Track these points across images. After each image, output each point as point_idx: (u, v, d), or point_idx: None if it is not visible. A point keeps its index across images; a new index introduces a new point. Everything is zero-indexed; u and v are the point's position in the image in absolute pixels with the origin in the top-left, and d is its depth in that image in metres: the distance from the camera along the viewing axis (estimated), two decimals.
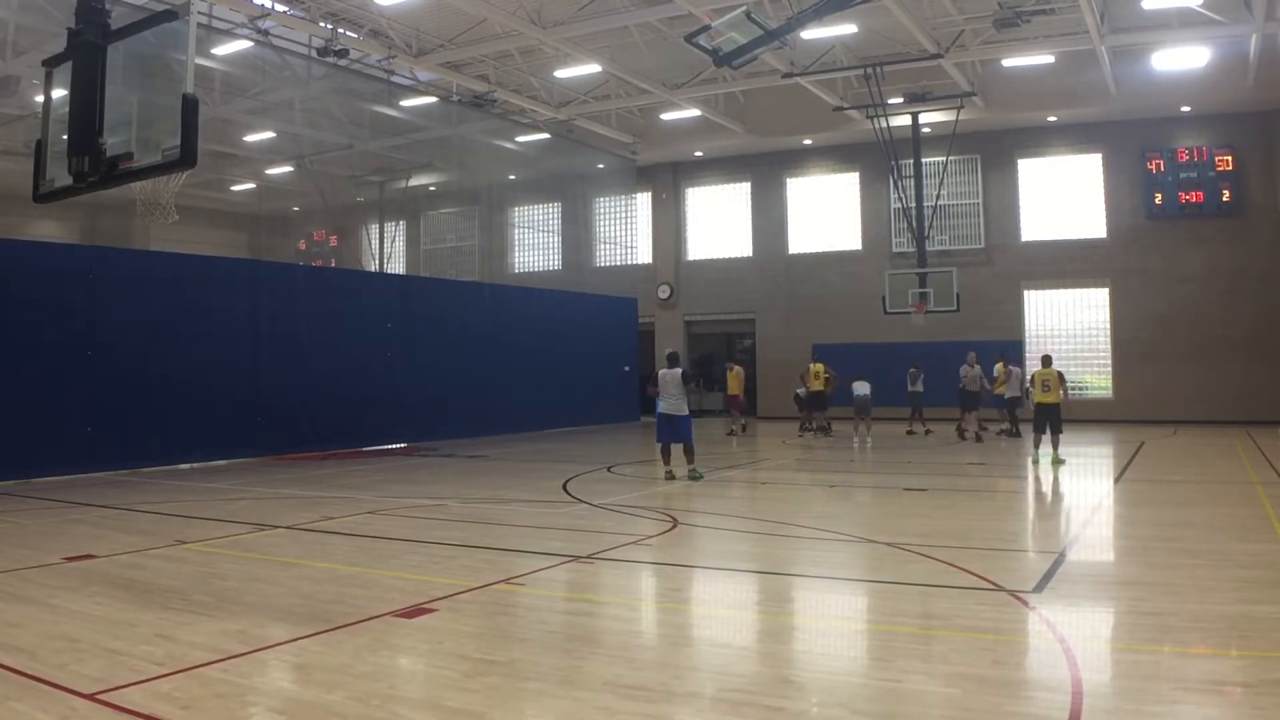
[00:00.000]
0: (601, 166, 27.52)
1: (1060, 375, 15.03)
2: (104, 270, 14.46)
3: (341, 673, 4.72)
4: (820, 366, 21.16)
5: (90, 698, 4.32)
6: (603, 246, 28.72)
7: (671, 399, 13.09)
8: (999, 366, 19.14)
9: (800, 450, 18.21)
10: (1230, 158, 22.77)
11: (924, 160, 22.85)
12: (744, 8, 12.09)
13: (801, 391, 21.05)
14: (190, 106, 5.58)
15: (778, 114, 24.30)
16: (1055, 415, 14.36)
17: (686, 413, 13.16)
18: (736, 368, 22.07)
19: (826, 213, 27.40)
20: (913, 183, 22.92)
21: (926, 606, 6.18)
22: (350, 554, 8.09)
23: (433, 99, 22.60)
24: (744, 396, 22.01)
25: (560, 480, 13.07)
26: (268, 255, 26.88)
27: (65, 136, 6.13)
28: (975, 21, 18.57)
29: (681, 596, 6.89)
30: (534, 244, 29.75)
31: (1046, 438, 14.34)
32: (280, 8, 17.24)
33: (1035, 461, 14.41)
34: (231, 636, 5.34)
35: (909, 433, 20.75)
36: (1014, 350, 24.20)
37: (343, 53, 18.18)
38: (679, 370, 13.18)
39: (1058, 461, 14.11)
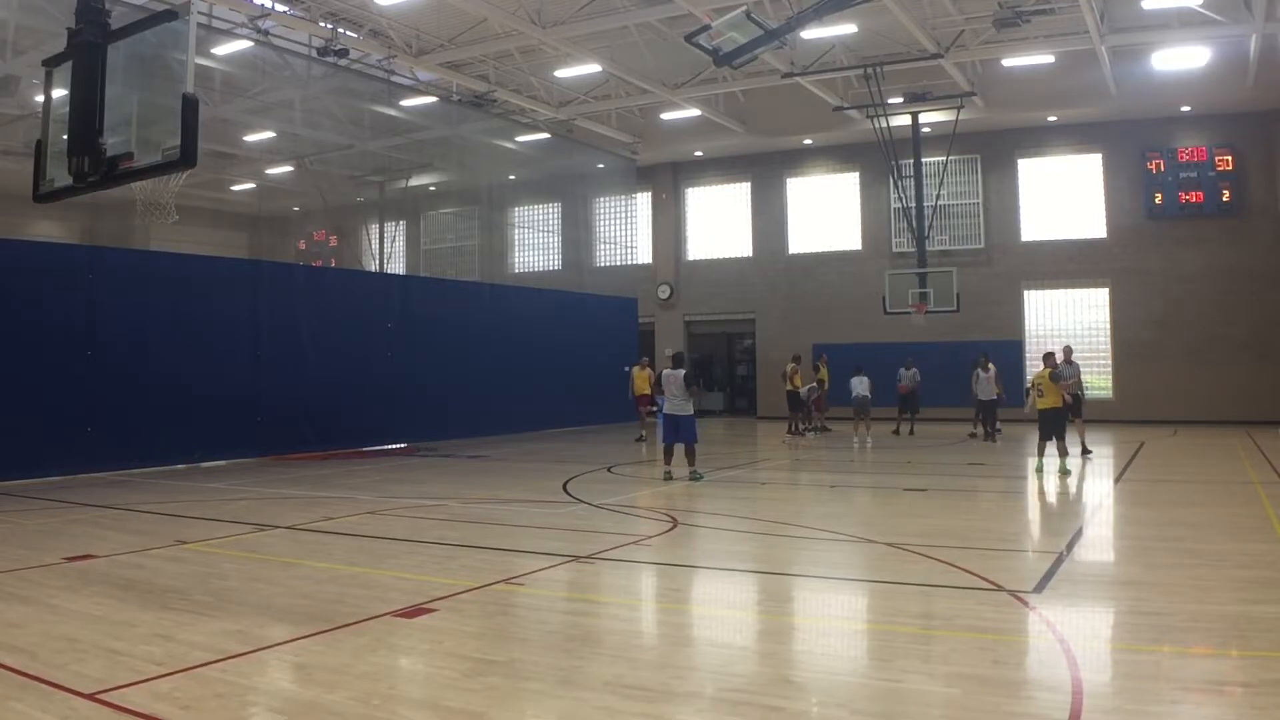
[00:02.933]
0: (601, 166, 27.52)
1: (1053, 374, 13.43)
2: (104, 270, 14.45)
3: (341, 673, 4.73)
4: (790, 366, 21.07)
5: (90, 698, 4.32)
6: (603, 246, 28.72)
7: (675, 399, 13.10)
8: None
9: (800, 451, 18.20)
10: (1230, 158, 22.77)
11: (924, 160, 22.84)
12: (744, 7, 12.07)
13: (804, 392, 20.99)
14: (190, 106, 5.58)
15: (778, 114, 24.30)
16: (1056, 420, 13.29)
17: (690, 413, 13.17)
18: (649, 367, 19.78)
19: (826, 213, 27.38)
20: (913, 183, 22.92)
21: (926, 606, 6.18)
22: (350, 554, 8.09)
23: (433, 99, 22.60)
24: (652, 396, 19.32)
25: (560, 480, 13.07)
26: (268, 255, 26.91)
27: (65, 136, 6.13)
28: (975, 21, 18.56)
29: (681, 596, 6.89)
30: (534, 244, 29.75)
31: (1051, 445, 13.33)
32: (280, 8, 17.23)
33: (1039, 470, 13.40)
34: (231, 636, 5.34)
35: (971, 435, 19.57)
36: (1014, 350, 24.30)
37: (343, 53, 18.19)
38: (683, 371, 13.19)
39: (1064, 471, 13.18)
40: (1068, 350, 16.32)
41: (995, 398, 18.55)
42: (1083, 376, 16.48)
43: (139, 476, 13.74)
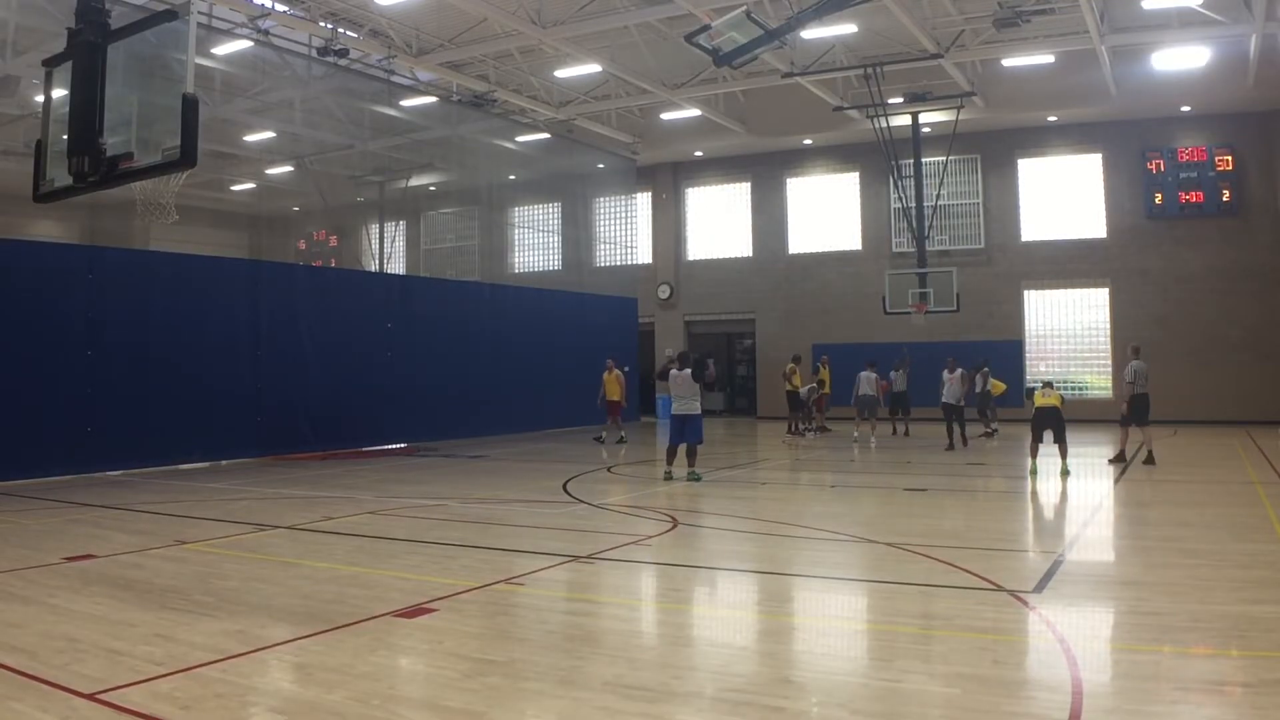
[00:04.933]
0: (601, 166, 27.52)
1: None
2: (104, 270, 14.45)
3: (341, 673, 4.73)
4: (790, 366, 21.04)
5: (90, 698, 4.32)
6: (603, 246, 28.72)
7: (683, 400, 13.05)
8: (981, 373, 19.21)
9: (800, 451, 18.19)
10: (1230, 158, 22.78)
11: (924, 160, 22.83)
12: (744, 8, 12.08)
13: (804, 392, 20.97)
14: (190, 106, 5.58)
15: (778, 114, 24.30)
16: (1057, 420, 13.11)
17: (698, 412, 13.12)
18: (616, 370, 19.29)
19: (826, 213, 27.40)
20: (913, 183, 22.92)
21: (926, 606, 6.18)
22: (350, 554, 8.09)
23: (433, 99, 22.60)
24: (624, 402, 19.34)
25: (560, 480, 13.07)
26: (268, 255, 26.86)
27: (65, 136, 6.13)
28: (975, 21, 18.56)
29: (681, 596, 6.89)
30: (534, 244, 29.74)
31: (1044, 446, 13.24)
32: (280, 8, 17.24)
33: (1033, 473, 13.18)
34: (231, 636, 5.34)
35: (984, 435, 19.49)
36: (1014, 350, 24.32)
37: (343, 53, 18.19)
38: (689, 370, 13.11)
39: (1065, 473, 12.96)
40: (1134, 349, 14.95)
41: (959, 402, 17.24)
42: (1133, 375, 14.34)
43: (139, 476, 13.74)
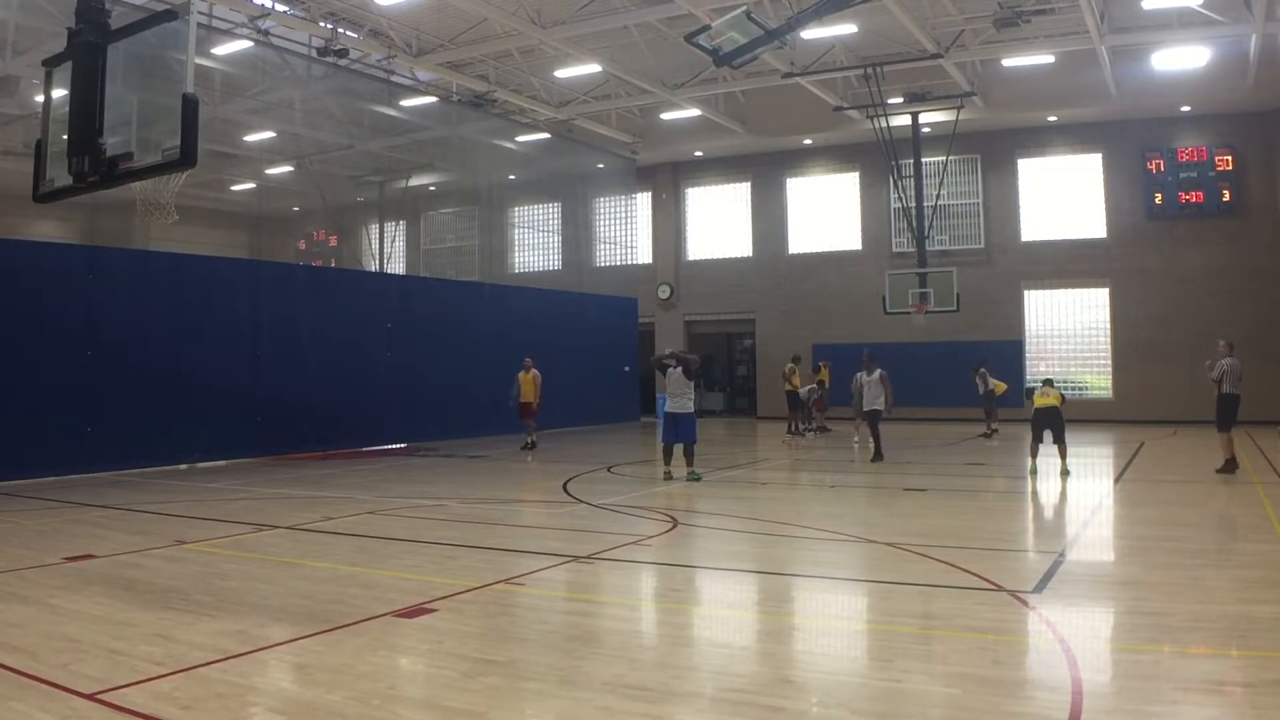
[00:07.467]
0: (601, 166, 27.52)
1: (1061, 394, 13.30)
2: (104, 270, 14.46)
3: (341, 673, 4.73)
4: (789, 366, 21.02)
5: (90, 698, 4.32)
6: (603, 246, 28.72)
7: (677, 398, 13.12)
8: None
9: (800, 451, 18.19)
10: (1230, 158, 22.77)
11: (924, 160, 22.83)
12: (744, 8, 12.07)
13: (804, 392, 20.96)
14: (190, 106, 5.58)
15: (778, 114, 24.30)
16: (1056, 420, 12.96)
17: (691, 410, 13.20)
18: (534, 370, 18.18)
19: (826, 213, 27.39)
20: (913, 183, 22.92)
21: (926, 606, 6.18)
22: (350, 554, 8.09)
23: (433, 99, 22.60)
24: (538, 405, 18.16)
25: (560, 480, 13.07)
26: (268, 255, 26.85)
27: (65, 136, 6.13)
28: (975, 21, 18.56)
29: (681, 596, 6.89)
30: (534, 244, 29.74)
31: (1044, 446, 13.11)
32: (280, 8, 17.24)
33: (1033, 472, 13.10)
34: (231, 636, 5.34)
35: (984, 435, 19.51)
36: (1014, 350, 24.30)
37: (343, 53, 18.19)
38: (679, 369, 13.19)
39: (1065, 473, 12.85)
40: (1227, 345, 13.95)
41: (879, 407, 15.45)
42: (1220, 373, 13.57)
43: (139, 476, 13.74)
